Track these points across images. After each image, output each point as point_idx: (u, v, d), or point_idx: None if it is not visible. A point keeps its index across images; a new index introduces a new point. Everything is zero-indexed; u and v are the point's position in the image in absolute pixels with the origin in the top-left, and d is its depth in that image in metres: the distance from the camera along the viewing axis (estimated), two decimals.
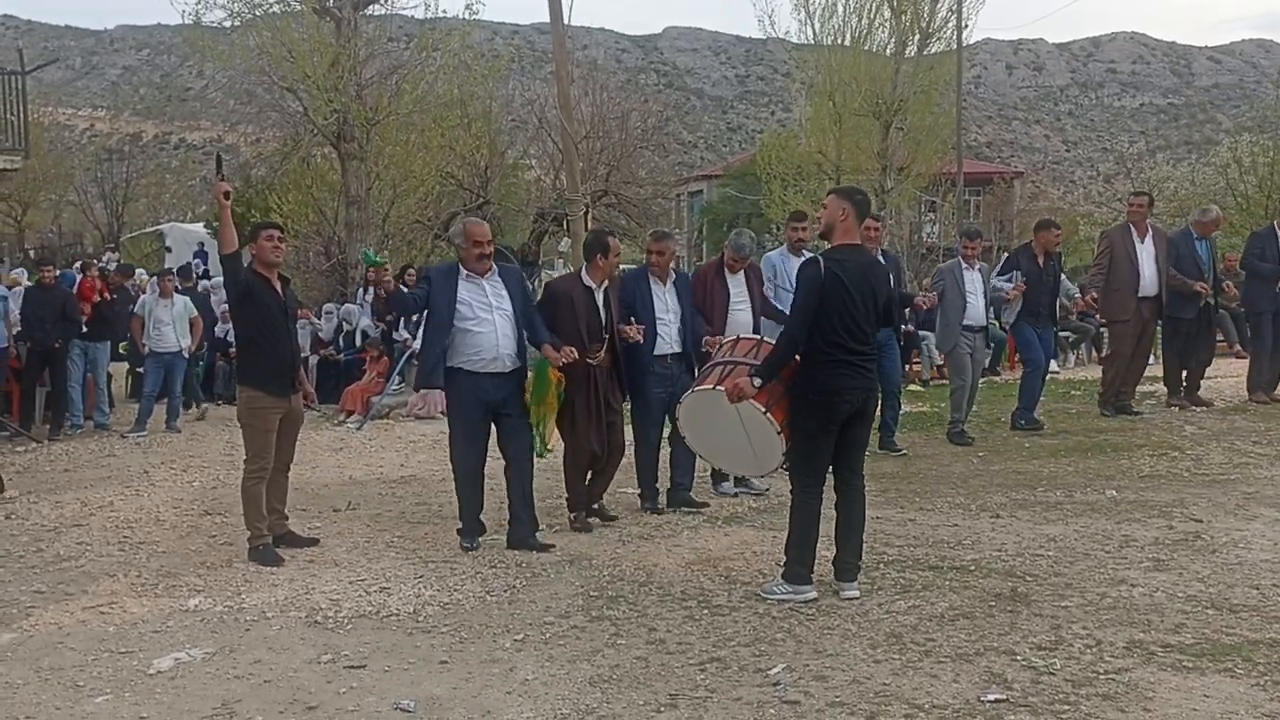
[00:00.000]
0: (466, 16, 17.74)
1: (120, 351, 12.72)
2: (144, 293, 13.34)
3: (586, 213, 16.39)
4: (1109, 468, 7.70)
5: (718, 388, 5.02)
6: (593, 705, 3.83)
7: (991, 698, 3.77)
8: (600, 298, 6.40)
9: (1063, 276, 9.76)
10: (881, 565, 5.37)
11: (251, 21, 16.48)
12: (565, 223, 19.18)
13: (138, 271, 19.67)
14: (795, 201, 22.94)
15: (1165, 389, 10.42)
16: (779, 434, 4.86)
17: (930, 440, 9.13)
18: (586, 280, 6.43)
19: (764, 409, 4.84)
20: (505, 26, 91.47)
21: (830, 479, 5.01)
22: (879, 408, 5.79)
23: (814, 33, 26.00)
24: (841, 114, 24.91)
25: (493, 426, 6.09)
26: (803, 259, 7.52)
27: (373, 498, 7.58)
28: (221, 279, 8.89)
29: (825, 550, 5.05)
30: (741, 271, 7.29)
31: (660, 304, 6.69)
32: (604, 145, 24.67)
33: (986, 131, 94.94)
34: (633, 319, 6.50)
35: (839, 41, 25.53)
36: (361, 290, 15.35)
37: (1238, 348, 14.10)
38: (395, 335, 13.29)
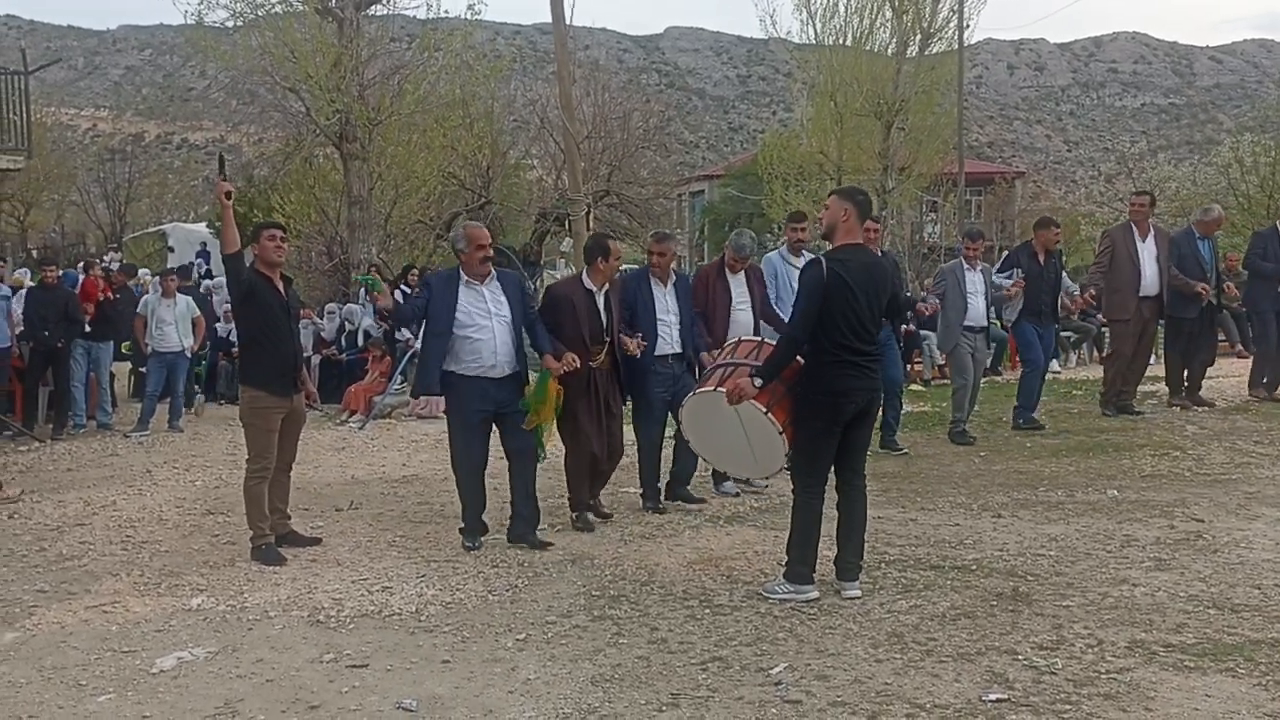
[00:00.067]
0: (468, 17, 17.78)
1: (123, 351, 12.73)
2: (147, 292, 13.36)
3: (588, 213, 16.42)
4: (1110, 467, 7.70)
5: (719, 389, 5.02)
6: (595, 704, 3.84)
7: (993, 697, 3.77)
8: (601, 301, 6.40)
9: (1064, 275, 9.75)
10: (883, 565, 5.38)
11: (254, 22, 16.51)
12: (567, 223, 19.22)
13: (141, 271, 19.69)
14: (796, 202, 22.95)
15: (1167, 389, 10.41)
16: (781, 434, 4.87)
17: (932, 440, 9.14)
18: (587, 283, 6.43)
19: (765, 409, 4.85)
20: (507, 27, 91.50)
21: (832, 479, 5.01)
22: (880, 407, 5.79)
23: (815, 33, 26.02)
24: (843, 114, 24.91)
25: (493, 426, 6.10)
26: (803, 259, 7.56)
27: (375, 497, 7.59)
28: (224, 279, 8.91)
29: (827, 550, 5.05)
30: (742, 272, 7.30)
31: (661, 305, 6.69)
32: (606, 145, 24.68)
33: (988, 131, 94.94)
34: (638, 334, 6.50)
35: (840, 41, 25.55)
36: (363, 291, 15.37)
37: (1239, 348, 14.10)
38: (397, 335, 13.30)
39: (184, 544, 6.36)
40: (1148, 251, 9.59)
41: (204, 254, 25.96)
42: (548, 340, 6.15)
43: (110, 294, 11.80)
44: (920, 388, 13.30)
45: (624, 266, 7.67)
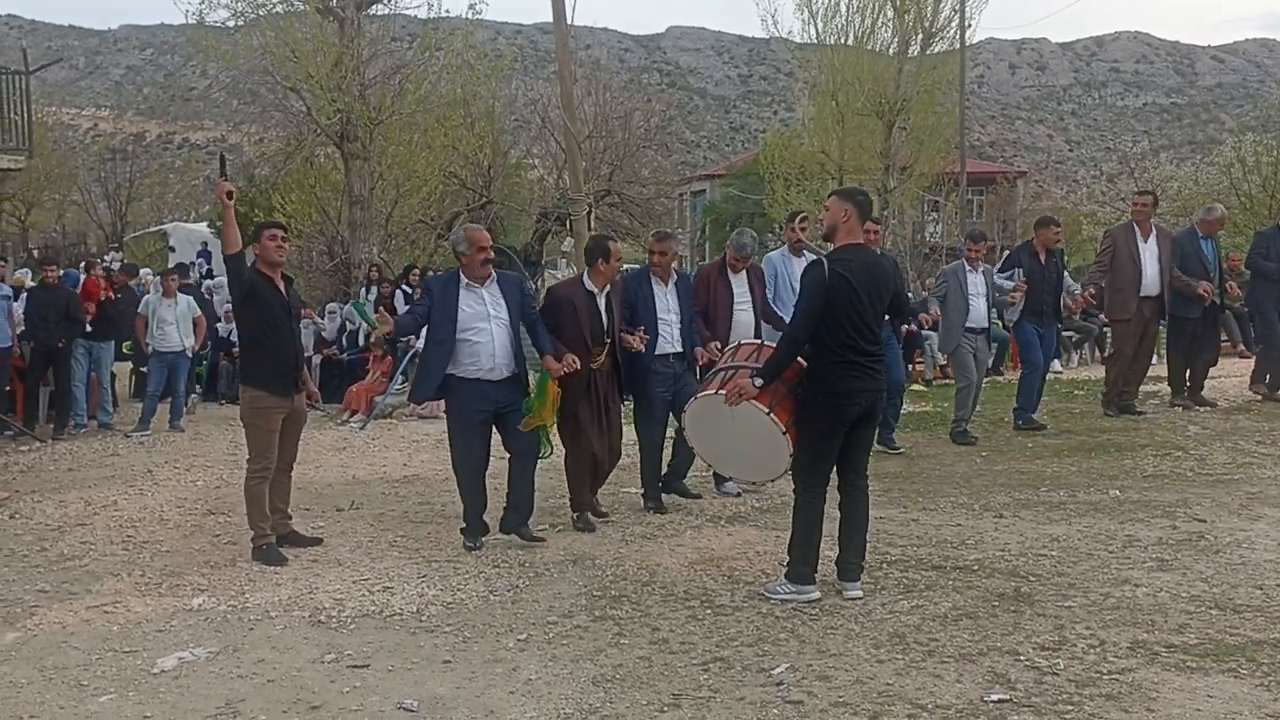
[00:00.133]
0: (470, 16, 17.76)
1: (124, 351, 12.73)
2: (149, 292, 13.36)
3: (589, 212, 16.42)
4: (1112, 468, 7.69)
5: (719, 392, 5.02)
6: (596, 705, 3.83)
7: (995, 698, 3.76)
8: (602, 302, 6.40)
9: (1065, 275, 9.74)
10: (885, 565, 5.37)
11: (255, 21, 16.50)
12: (568, 222, 19.20)
13: (143, 271, 19.69)
14: (798, 201, 22.97)
15: (1169, 389, 10.40)
16: (784, 434, 4.86)
17: (933, 440, 9.13)
18: (588, 285, 6.43)
19: (767, 410, 4.84)
20: (508, 26, 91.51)
21: (834, 479, 5.01)
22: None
23: (817, 32, 26.05)
24: (844, 113, 24.93)
25: (494, 426, 6.10)
26: (803, 259, 7.56)
27: (376, 497, 7.59)
28: (225, 278, 8.90)
29: (828, 550, 5.04)
30: (744, 271, 7.29)
31: (662, 304, 6.69)
32: (607, 145, 24.69)
33: (989, 131, 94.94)
34: (640, 327, 6.50)
35: (842, 41, 25.57)
36: (364, 290, 15.37)
37: (1241, 347, 14.09)
38: (399, 316, 13.27)
39: (185, 544, 6.36)
40: (1149, 252, 9.58)
41: (205, 254, 25.95)
42: (548, 341, 6.15)
43: (111, 294, 11.80)
44: (922, 388, 13.29)
45: (625, 267, 7.67)
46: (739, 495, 7.09)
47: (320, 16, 15.97)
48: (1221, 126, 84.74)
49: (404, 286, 14.63)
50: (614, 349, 6.45)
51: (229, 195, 5.87)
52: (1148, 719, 3.60)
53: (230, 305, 10.72)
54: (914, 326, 13.58)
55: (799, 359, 4.89)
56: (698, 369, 6.93)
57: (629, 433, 6.93)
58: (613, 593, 5.11)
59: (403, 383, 12.03)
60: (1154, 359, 10.66)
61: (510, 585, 5.29)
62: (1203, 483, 7.09)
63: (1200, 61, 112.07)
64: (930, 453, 8.58)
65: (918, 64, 25.64)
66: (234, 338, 12.41)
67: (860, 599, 4.86)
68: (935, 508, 6.67)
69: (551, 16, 14.02)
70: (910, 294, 15.35)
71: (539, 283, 17.21)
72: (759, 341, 5.74)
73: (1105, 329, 13.44)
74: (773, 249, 9.20)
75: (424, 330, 6.13)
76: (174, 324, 11.14)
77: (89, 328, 11.06)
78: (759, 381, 4.81)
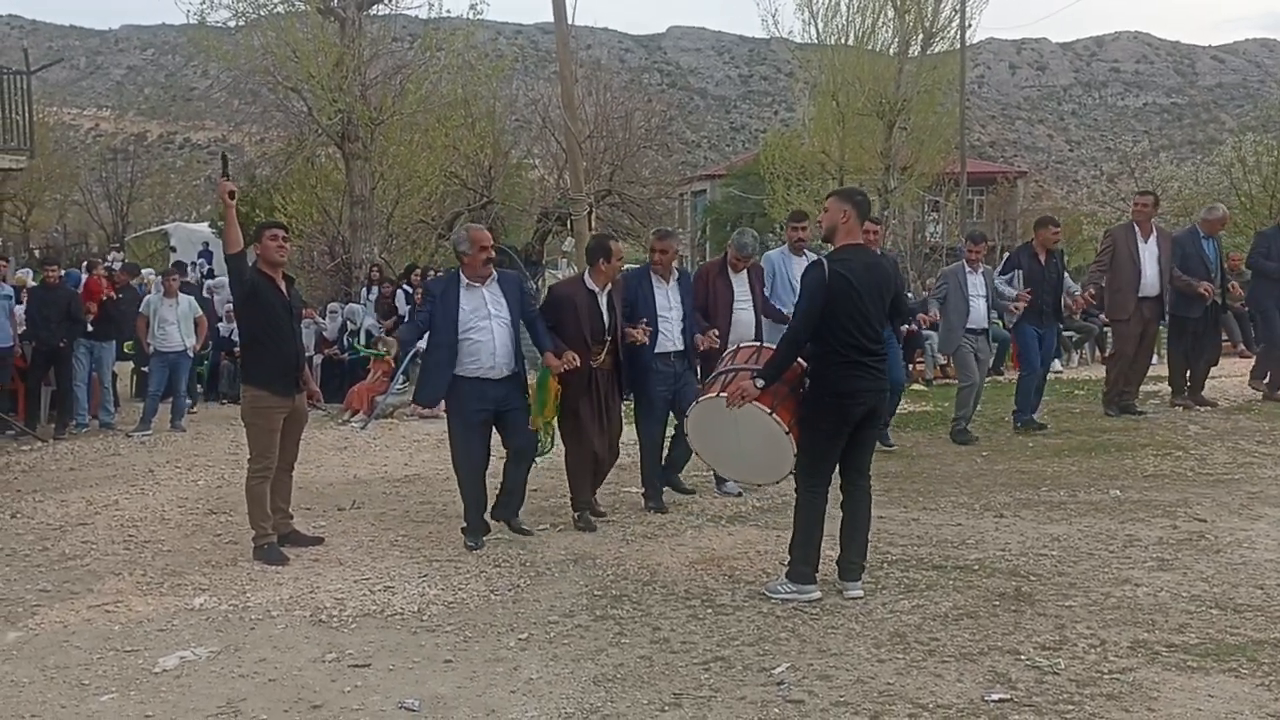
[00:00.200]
0: (470, 16, 17.80)
1: (125, 351, 12.74)
2: (150, 292, 13.37)
3: (590, 212, 16.42)
4: (1113, 467, 7.69)
5: (721, 394, 5.01)
6: (597, 704, 3.84)
7: (996, 697, 3.77)
8: (603, 301, 6.41)
9: (1066, 275, 9.74)
10: (885, 565, 5.37)
11: (256, 22, 16.52)
12: (569, 222, 19.20)
13: (145, 271, 19.70)
14: (798, 201, 22.97)
15: (1169, 388, 10.41)
16: (787, 434, 4.86)
17: (934, 440, 9.13)
18: (589, 284, 6.43)
19: (769, 410, 4.84)
20: (509, 26, 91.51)
21: (836, 478, 5.01)
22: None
23: (817, 32, 26.08)
24: (845, 114, 24.94)
25: (494, 425, 6.12)
26: (803, 259, 7.57)
27: (377, 497, 7.59)
28: (226, 278, 8.90)
29: (829, 550, 5.05)
30: (745, 271, 7.30)
31: (663, 302, 6.69)
32: (607, 145, 24.69)
33: (990, 131, 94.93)
34: (644, 320, 6.51)
35: (842, 41, 25.59)
36: (365, 290, 15.39)
37: (1242, 347, 14.09)
38: (400, 328, 13.30)
39: (186, 543, 6.36)
40: (1149, 252, 9.57)
41: (206, 254, 26.00)
42: (548, 338, 6.17)
43: (113, 293, 11.81)
44: (922, 388, 13.30)
45: (625, 267, 7.68)
46: (740, 495, 7.09)
47: (321, 17, 15.99)
48: (1222, 126, 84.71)
49: (405, 286, 14.65)
50: (615, 347, 6.46)
51: (231, 195, 5.88)
52: (1149, 718, 3.60)
53: (231, 305, 10.74)
54: (914, 326, 13.61)
55: (799, 359, 4.90)
56: (697, 367, 6.94)
57: (629, 432, 6.93)
58: (614, 592, 5.12)
59: (404, 382, 12.03)
60: (1154, 359, 10.66)
61: (511, 585, 5.30)
62: (1203, 482, 7.09)
63: (1200, 61, 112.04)
64: (931, 452, 8.58)
65: (918, 64, 25.66)
66: (235, 337, 12.41)
67: (861, 598, 4.86)
68: (936, 507, 6.68)
69: (552, 16, 14.03)
70: (910, 294, 15.37)
71: (539, 282, 17.21)
72: (758, 344, 5.74)
73: (1105, 329, 13.45)
74: (773, 249, 9.19)
75: (427, 340, 6.14)
76: (175, 324, 11.14)
77: (90, 327, 11.06)
78: (760, 383, 4.81)
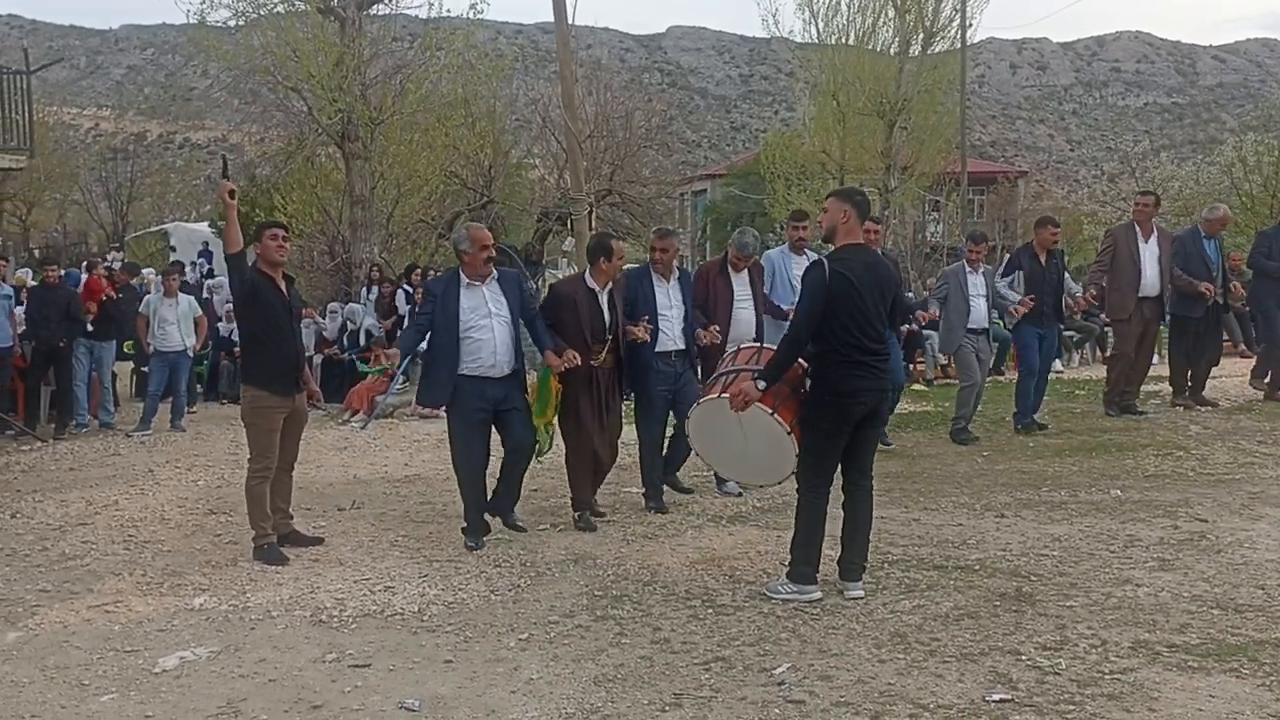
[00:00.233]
0: (471, 16, 17.80)
1: (125, 350, 12.74)
2: (150, 291, 13.37)
3: (590, 212, 16.41)
4: (1114, 467, 7.69)
5: (723, 396, 5.01)
6: (597, 704, 3.83)
7: (996, 698, 3.76)
8: (604, 300, 6.40)
9: (1066, 276, 9.74)
10: (886, 565, 5.37)
11: (256, 21, 16.52)
12: (569, 222, 19.20)
13: (145, 271, 19.71)
14: (799, 201, 22.97)
15: (1170, 388, 10.40)
16: (789, 434, 4.85)
17: (934, 440, 9.13)
18: (590, 282, 6.43)
19: (771, 410, 4.83)
20: (509, 26, 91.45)
21: (837, 479, 5.00)
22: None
23: (818, 32, 26.09)
24: (845, 113, 24.94)
25: (493, 424, 6.11)
26: (803, 258, 7.57)
27: (377, 497, 7.59)
28: (225, 278, 8.90)
29: (829, 550, 5.04)
30: (746, 270, 7.29)
31: (663, 301, 6.68)
32: (608, 144, 24.66)
33: (990, 131, 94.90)
34: (646, 318, 6.51)
35: (843, 41, 25.60)
36: (365, 289, 15.38)
37: (1242, 347, 14.08)
38: (400, 334, 13.30)
39: (186, 543, 6.36)
40: (1149, 252, 9.57)
41: (206, 253, 26.00)
42: (548, 337, 6.17)
43: (113, 292, 11.81)
44: (922, 387, 13.29)
45: (626, 266, 7.67)
46: (740, 495, 7.09)
47: (321, 16, 15.98)
48: (1223, 126, 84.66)
49: (405, 286, 14.64)
50: (616, 346, 6.45)
51: (231, 195, 5.88)
52: (1150, 719, 3.60)
53: (231, 305, 10.73)
54: (914, 326, 13.60)
55: (800, 360, 4.89)
56: (698, 367, 6.94)
57: (628, 431, 6.93)
58: (614, 592, 5.11)
59: (403, 383, 12.03)
60: (1155, 359, 10.65)
61: (511, 585, 5.29)
62: (1204, 482, 7.09)
63: (1201, 61, 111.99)
64: (931, 452, 8.57)
65: (919, 64, 25.67)
66: (235, 337, 12.41)
67: (862, 599, 4.86)
68: (937, 507, 6.67)
69: (552, 16, 14.02)
70: (910, 294, 15.36)
71: (540, 282, 17.21)
72: (758, 344, 5.74)
73: (1106, 329, 13.45)
74: (773, 248, 9.19)
75: (429, 341, 6.13)
76: (175, 323, 11.14)
77: (90, 327, 11.06)
78: (762, 384, 4.80)
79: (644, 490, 6.90)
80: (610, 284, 6.45)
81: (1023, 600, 4.80)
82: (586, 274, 6.54)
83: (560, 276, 14.19)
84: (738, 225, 20.09)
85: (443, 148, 18.86)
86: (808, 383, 4.92)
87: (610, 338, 6.41)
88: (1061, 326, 10.64)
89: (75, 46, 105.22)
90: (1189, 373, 10.18)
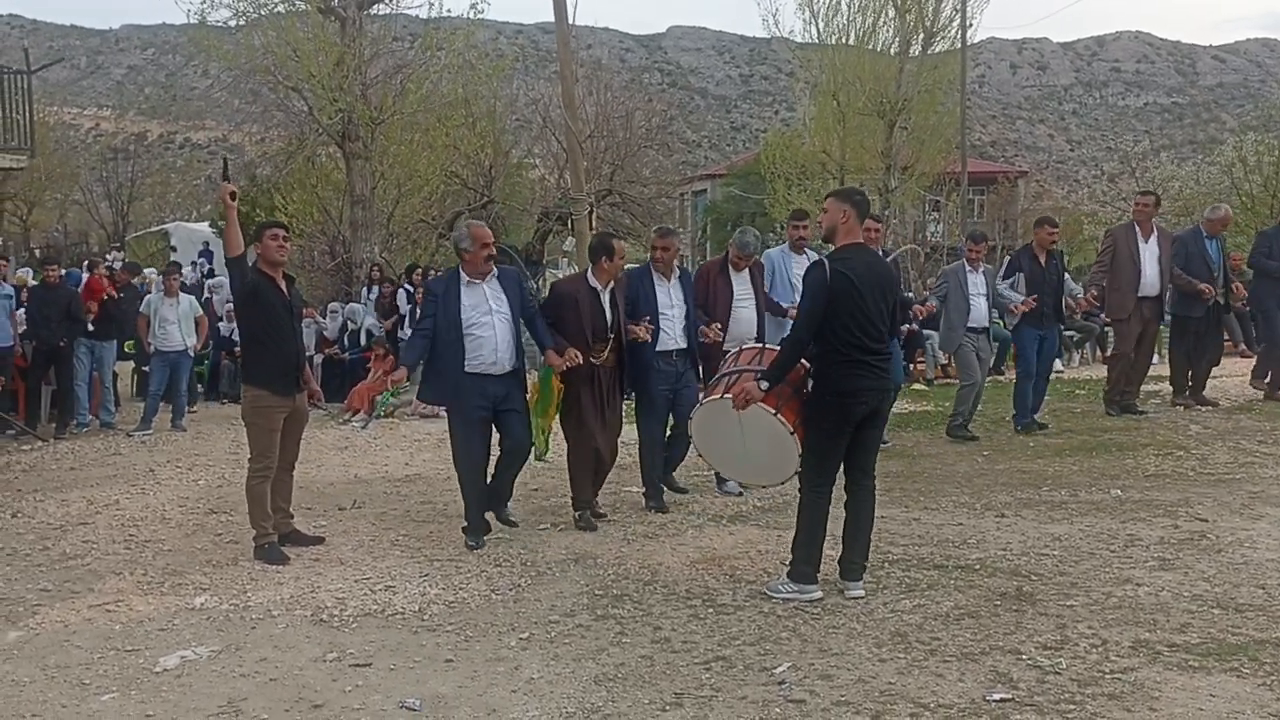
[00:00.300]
0: (471, 16, 17.79)
1: (126, 350, 12.74)
2: (151, 291, 13.37)
3: (591, 212, 16.40)
4: (1114, 467, 7.69)
5: (725, 396, 5.01)
6: (598, 704, 3.84)
7: (997, 697, 3.76)
8: (606, 299, 6.41)
9: (1067, 276, 9.74)
10: (886, 564, 5.37)
11: (256, 21, 16.52)
12: (570, 222, 19.19)
13: (147, 270, 19.73)
14: (799, 201, 22.96)
15: (1171, 388, 10.41)
16: (792, 434, 4.85)
17: (934, 440, 9.13)
18: (592, 281, 6.43)
19: (774, 410, 4.83)
20: (509, 26, 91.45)
21: (839, 478, 5.00)
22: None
23: (818, 32, 26.09)
24: (845, 113, 24.94)
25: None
26: (804, 257, 7.57)
27: (378, 496, 7.59)
28: (225, 278, 8.90)
29: (830, 549, 5.04)
30: (746, 269, 7.29)
31: (664, 300, 6.68)
32: (608, 144, 24.64)
33: (990, 131, 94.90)
34: (647, 318, 6.51)
35: (843, 41, 25.60)
36: (366, 289, 15.38)
37: (1243, 347, 14.08)
38: (400, 334, 13.31)
39: (187, 543, 6.36)
40: (1149, 252, 9.57)
41: (207, 253, 26.02)
42: (549, 336, 6.18)
43: (114, 292, 11.81)
44: (923, 387, 13.29)
45: (626, 266, 7.68)
46: (741, 494, 7.09)
47: (322, 16, 15.98)
48: (1223, 126, 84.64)
49: (405, 286, 14.65)
50: (618, 345, 6.45)
51: (232, 196, 5.89)
52: (1150, 718, 3.60)
53: (231, 305, 10.74)
54: (914, 326, 13.61)
55: (802, 360, 4.89)
56: (699, 367, 6.94)
57: (628, 431, 6.93)
58: (615, 592, 5.12)
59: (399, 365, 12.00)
60: (1155, 358, 10.65)
61: (512, 584, 5.29)
62: (1204, 482, 7.09)
63: (1201, 61, 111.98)
64: (932, 452, 8.58)
65: (919, 63, 25.67)
66: (235, 337, 12.41)
67: (862, 598, 4.86)
68: (937, 507, 6.67)
69: (553, 16, 14.00)
70: (910, 294, 15.38)
71: (540, 282, 17.20)
72: (760, 345, 5.74)
73: (1106, 329, 13.45)
74: (774, 247, 9.19)
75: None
76: (176, 323, 11.14)
77: (91, 327, 11.06)
78: (764, 385, 4.80)
79: (644, 490, 6.90)
80: (612, 283, 6.46)
81: (1023, 600, 4.80)
82: (589, 273, 6.54)
83: (560, 277, 14.19)
84: (738, 225, 20.08)
85: (443, 148, 18.86)
86: (810, 383, 4.92)
87: (612, 337, 6.41)
88: (1062, 327, 10.65)
89: (76, 46, 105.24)
90: (1189, 372, 10.18)
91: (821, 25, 25.83)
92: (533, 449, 6.26)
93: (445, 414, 6.27)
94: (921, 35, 25.70)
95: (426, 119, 17.70)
